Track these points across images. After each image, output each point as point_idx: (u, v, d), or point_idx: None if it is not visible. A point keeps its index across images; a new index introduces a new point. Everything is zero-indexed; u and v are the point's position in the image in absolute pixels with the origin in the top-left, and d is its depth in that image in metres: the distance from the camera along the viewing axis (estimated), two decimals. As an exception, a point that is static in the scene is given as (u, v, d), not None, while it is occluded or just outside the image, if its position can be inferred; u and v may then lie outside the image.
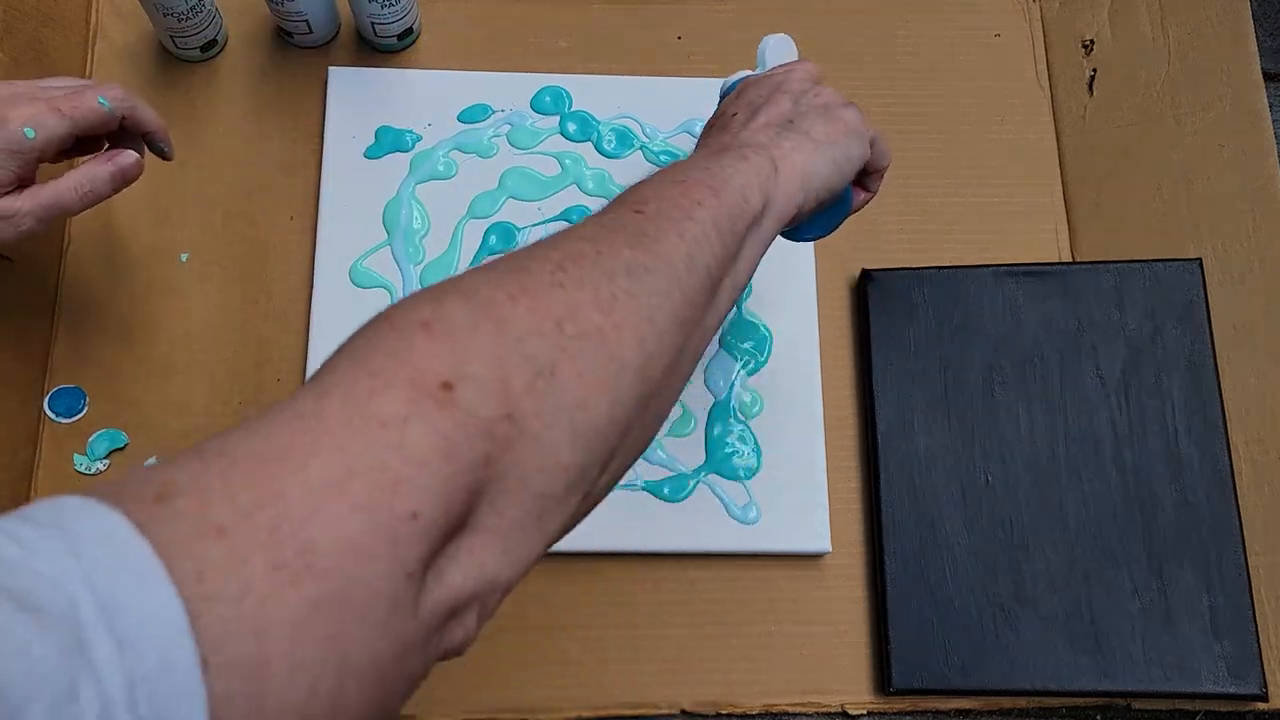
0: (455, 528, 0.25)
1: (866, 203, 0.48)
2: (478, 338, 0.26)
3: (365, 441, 0.23)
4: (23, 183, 0.44)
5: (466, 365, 0.26)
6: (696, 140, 0.62)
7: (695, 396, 0.58)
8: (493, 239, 0.59)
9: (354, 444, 0.23)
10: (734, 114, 0.43)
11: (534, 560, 0.28)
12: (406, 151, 0.61)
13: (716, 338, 0.58)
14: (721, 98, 0.50)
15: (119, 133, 0.48)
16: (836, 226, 0.46)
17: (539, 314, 0.28)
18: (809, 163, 0.39)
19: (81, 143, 0.48)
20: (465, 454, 0.25)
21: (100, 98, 0.45)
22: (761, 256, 0.38)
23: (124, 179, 0.47)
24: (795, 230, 0.44)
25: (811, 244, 0.60)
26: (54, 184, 0.45)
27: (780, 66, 0.47)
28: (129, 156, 0.47)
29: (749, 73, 0.49)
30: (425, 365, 0.25)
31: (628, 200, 0.35)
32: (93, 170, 0.46)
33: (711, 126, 0.45)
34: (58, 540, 0.19)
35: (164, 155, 0.50)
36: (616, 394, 0.29)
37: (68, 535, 0.19)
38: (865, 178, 0.46)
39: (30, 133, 0.43)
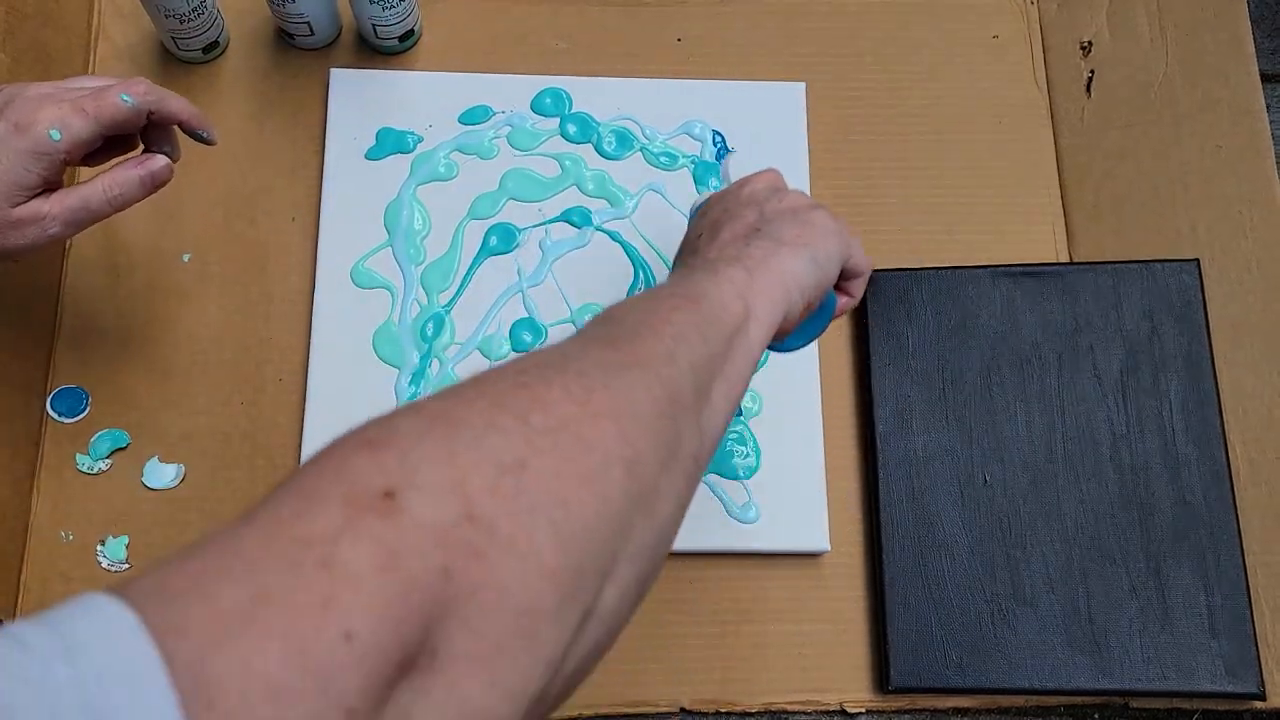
0: (413, 653, 0.22)
1: (849, 308, 0.46)
2: (424, 442, 0.24)
3: (285, 562, 0.21)
4: (50, 186, 0.44)
5: (413, 472, 0.23)
6: (696, 139, 0.63)
7: (695, 396, 0.58)
8: (493, 240, 0.60)
9: (271, 566, 0.20)
10: (698, 235, 0.42)
11: (535, 693, 0.24)
12: (407, 153, 0.61)
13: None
14: (691, 218, 0.49)
15: (151, 128, 0.47)
16: (819, 334, 0.44)
17: (499, 410, 0.26)
18: (785, 265, 0.38)
19: (112, 143, 0.47)
20: (414, 564, 0.22)
21: (123, 94, 0.44)
22: (754, 367, 0.36)
23: (154, 183, 0.46)
24: (777, 341, 0.42)
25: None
26: (81, 188, 0.44)
27: (742, 179, 0.45)
28: (158, 161, 0.46)
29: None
30: (363, 479, 0.23)
31: (599, 319, 0.34)
32: (122, 174, 0.45)
33: (681, 253, 0.43)
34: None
35: (206, 141, 0.48)
36: (604, 489, 0.26)
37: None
38: (846, 282, 0.45)
39: (56, 135, 0.42)
